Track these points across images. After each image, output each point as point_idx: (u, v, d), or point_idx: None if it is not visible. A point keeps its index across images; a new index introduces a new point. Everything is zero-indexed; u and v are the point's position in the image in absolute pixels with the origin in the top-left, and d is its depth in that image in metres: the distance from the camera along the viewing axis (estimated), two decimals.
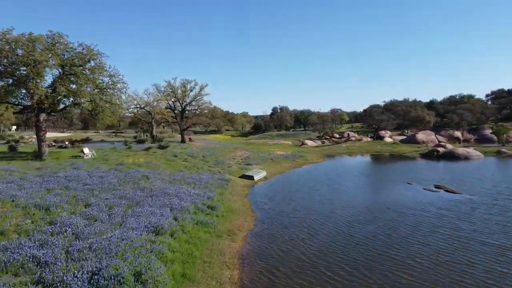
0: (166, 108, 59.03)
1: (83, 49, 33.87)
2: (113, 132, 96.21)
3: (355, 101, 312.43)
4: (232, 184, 30.50)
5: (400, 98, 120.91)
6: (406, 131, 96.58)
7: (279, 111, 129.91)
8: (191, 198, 22.24)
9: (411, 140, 66.99)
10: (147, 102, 54.07)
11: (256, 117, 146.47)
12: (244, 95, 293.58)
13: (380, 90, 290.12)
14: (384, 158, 54.10)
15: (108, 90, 36.30)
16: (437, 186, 29.14)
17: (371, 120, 77.55)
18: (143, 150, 43.03)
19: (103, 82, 36.17)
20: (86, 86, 34.15)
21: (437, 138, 68.23)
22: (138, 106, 54.07)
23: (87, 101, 35.09)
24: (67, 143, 46.73)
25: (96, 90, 35.46)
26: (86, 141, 57.59)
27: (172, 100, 58.62)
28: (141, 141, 49.99)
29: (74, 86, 33.83)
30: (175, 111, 59.55)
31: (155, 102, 54.48)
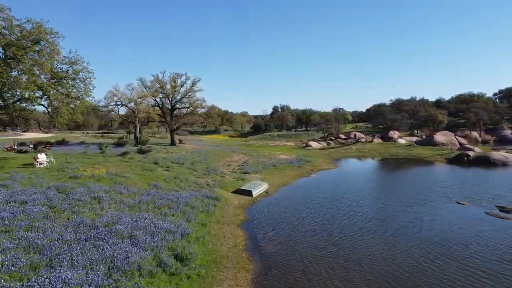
0: (153, 105, 50.70)
1: (32, 27, 25.51)
2: (104, 133, 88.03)
3: (355, 101, 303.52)
4: (223, 205, 22.20)
5: (399, 97, 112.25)
6: (416, 132, 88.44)
7: (280, 110, 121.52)
8: (153, 240, 13.93)
9: (429, 142, 58.66)
10: (130, 98, 45.76)
11: (256, 116, 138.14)
12: (244, 95, 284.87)
13: (380, 90, 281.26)
14: (403, 163, 45.75)
15: (68, 81, 27.98)
16: (503, 209, 20.81)
17: (382, 120, 69.26)
18: (118, 155, 34.69)
19: (62, 71, 27.86)
20: (38, 75, 25.93)
21: (457, 139, 59.87)
22: (120, 103, 45.84)
23: (40, 96, 26.85)
24: (30, 146, 38.40)
25: (52, 81, 27.21)
26: (61, 143, 49.30)
27: (160, 96, 50.32)
28: (120, 144, 41.76)
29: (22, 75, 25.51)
30: (164, 109, 51.23)
31: (139, 99, 46.17)
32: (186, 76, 51.23)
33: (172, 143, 50.52)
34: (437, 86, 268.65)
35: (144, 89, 48.94)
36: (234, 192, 26.63)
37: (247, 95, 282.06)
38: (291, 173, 36.29)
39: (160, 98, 50.49)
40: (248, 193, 26.09)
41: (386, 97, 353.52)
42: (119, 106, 46.36)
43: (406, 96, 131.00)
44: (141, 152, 37.34)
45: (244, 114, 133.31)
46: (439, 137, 58.92)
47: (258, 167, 38.05)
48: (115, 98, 45.13)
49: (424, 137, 71.98)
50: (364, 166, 44.56)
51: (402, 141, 64.53)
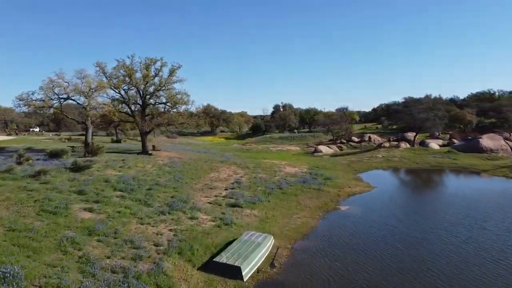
0: (117, 100, 36.43)
1: None
2: (80, 135, 73.80)
3: (355, 101, 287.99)
4: None
5: (399, 97, 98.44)
6: (438, 133, 74.25)
7: (281, 109, 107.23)
8: None
9: (473, 148, 44.50)
10: (80, 90, 31.56)
11: (255, 117, 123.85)
12: (243, 94, 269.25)
13: (380, 89, 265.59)
14: (463, 178, 31.98)
15: None
16: None
17: (409, 119, 55.18)
18: (29, 175, 20.53)
19: None
20: None
21: (508, 144, 45.67)
22: (65, 95, 31.60)
23: None
24: None
25: None
26: None
27: (125, 88, 36.01)
28: (57, 155, 27.58)
29: None
30: (131, 105, 36.92)
31: (93, 91, 31.98)
32: (162, 61, 37.03)
33: (144, 150, 36.31)
34: (436, 85, 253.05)
35: (104, 78, 34.70)
36: (204, 267, 12.43)
37: (246, 95, 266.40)
38: (308, 203, 22.05)
39: (125, 90, 36.22)
40: (234, 272, 11.88)
41: (384, 97, 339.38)
42: (62, 101, 31.94)
43: (404, 95, 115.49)
44: (75, 168, 23.14)
45: (242, 114, 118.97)
46: (487, 141, 44.75)
47: (256, 191, 23.86)
48: (56, 90, 30.83)
49: (455, 140, 57.84)
50: (413, 186, 30.68)
51: (434, 146, 50.38)
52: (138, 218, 16.15)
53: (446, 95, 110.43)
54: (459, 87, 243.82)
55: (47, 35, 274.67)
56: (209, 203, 20.52)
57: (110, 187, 20.23)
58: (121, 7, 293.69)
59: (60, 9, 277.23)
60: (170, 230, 15.31)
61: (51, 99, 31.20)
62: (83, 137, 61.71)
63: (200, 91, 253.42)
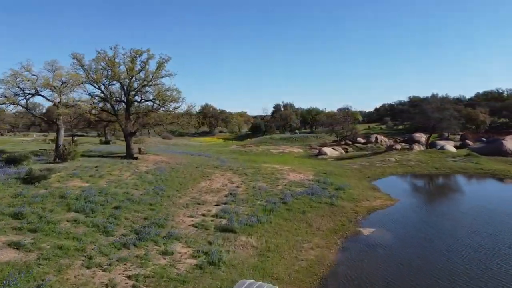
0: (94, 95, 31.55)
1: None
2: (72, 135, 68.82)
3: (354, 101, 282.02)
4: None
5: (399, 97, 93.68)
6: (447, 135, 69.36)
7: (282, 109, 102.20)
8: None
9: (495, 150, 39.59)
10: (49, 84, 26.68)
11: (255, 117, 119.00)
12: (243, 95, 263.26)
13: (380, 89, 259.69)
14: (502, 188, 27.11)
15: None
16: None
17: (422, 119, 50.20)
18: None
19: None
20: None
21: None
22: (32, 91, 26.66)
23: None
24: None
25: None
26: None
27: (105, 82, 31.11)
28: (14, 161, 22.69)
29: None
30: (113, 103, 31.99)
31: (65, 85, 27.08)
32: (149, 53, 32.17)
33: (128, 154, 31.44)
34: (436, 85, 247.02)
35: (81, 71, 29.83)
36: None
37: (246, 94, 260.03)
38: (320, 225, 17.14)
39: (105, 85, 31.33)
40: None
41: (384, 97, 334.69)
42: (28, 97, 27.00)
43: (404, 95, 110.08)
44: (29, 179, 18.25)
45: (242, 114, 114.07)
46: (511, 143, 39.82)
47: (254, 207, 18.96)
48: (21, 84, 25.86)
49: (469, 142, 53.05)
50: (442, 198, 25.46)
51: (451, 148, 45.41)
52: (86, 256, 11.27)
53: (450, 94, 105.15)
54: (460, 86, 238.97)
55: (47, 35, 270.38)
56: (194, 225, 15.63)
57: (63, 206, 15.34)
58: (120, 7, 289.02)
59: (59, 9, 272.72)
60: (129, 276, 10.43)
61: (16, 94, 26.25)
62: (70, 138, 56.82)
63: (199, 90, 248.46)
